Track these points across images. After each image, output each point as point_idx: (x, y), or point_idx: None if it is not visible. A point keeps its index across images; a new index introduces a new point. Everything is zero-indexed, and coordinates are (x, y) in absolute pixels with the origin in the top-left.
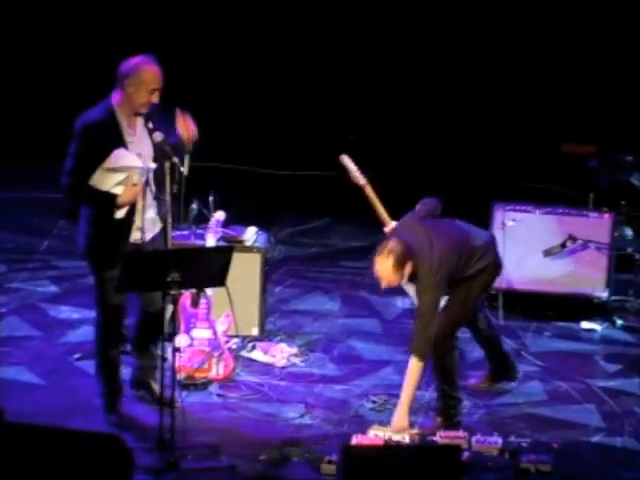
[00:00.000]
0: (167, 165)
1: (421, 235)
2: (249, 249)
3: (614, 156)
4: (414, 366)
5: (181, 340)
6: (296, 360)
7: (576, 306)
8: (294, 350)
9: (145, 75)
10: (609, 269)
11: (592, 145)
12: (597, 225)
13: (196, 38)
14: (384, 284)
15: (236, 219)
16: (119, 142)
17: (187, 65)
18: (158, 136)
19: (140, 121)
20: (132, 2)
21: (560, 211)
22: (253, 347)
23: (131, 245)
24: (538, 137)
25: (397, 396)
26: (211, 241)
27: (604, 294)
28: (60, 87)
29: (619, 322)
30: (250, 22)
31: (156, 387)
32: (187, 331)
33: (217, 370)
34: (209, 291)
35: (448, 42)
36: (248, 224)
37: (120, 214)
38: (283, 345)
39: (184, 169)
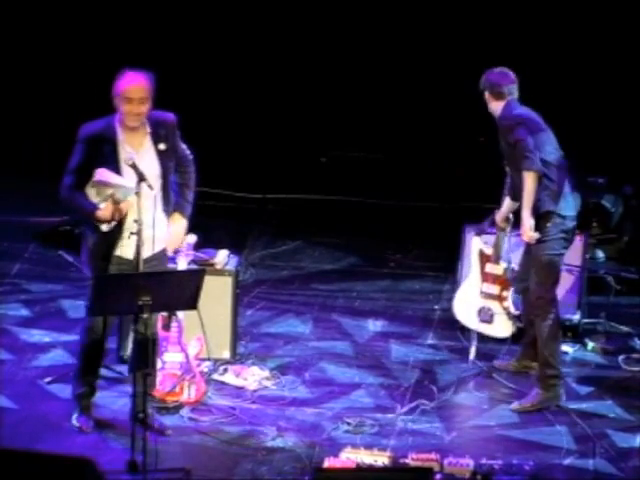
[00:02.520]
0: (141, 187)
1: None
2: (220, 272)
3: (585, 178)
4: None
5: None
6: (268, 383)
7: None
8: (266, 373)
9: (121, 86)
10: (581, 291)
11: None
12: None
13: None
14: None
15: (207, 242)
16: (113, 155)
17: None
18: (131, 158)
19: (147, 141)
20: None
21: None
22: (225, 370)
23: (125, 260)
24: None
25: (370, 419)
26: (182, 264)
27: (576, 316)
28: (33, 108)
29: (591, 344)
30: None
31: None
32: (159, 354)
33: (189, 393)
34: (180, 314)
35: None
36: (219, 247)
37: (105, 228)
38: (255, 368)
39: (155, 190)
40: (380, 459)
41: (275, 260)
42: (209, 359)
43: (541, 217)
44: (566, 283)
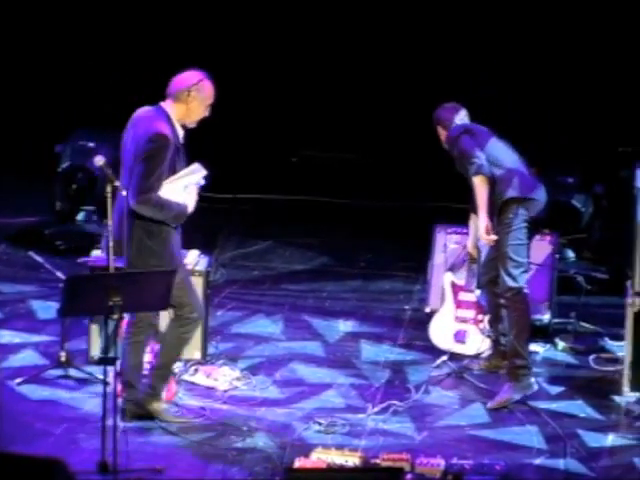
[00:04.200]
0: (109, 189)
1: None
2: (191, 273)
3: (555, 178)
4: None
5: None
6: (238, 383)
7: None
8: (236, 373)
9: (208, 91)
10: (551, 291)
11: (533, 168)
12: (539, 247)
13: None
14: None
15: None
16: (181, 154)
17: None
18: (100, 160)
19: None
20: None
21: None
22: (195, 371)
23: None
24: None
25: (341, 419)
26: None
27: (546, 316)
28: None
29: (561, 344)
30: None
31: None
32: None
33: None
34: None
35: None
36: (190, 248)
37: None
38: (225, 368)
39: (125, 192)
40: (351, 459)
41: (246, 260)
42: (180, 360)
43: (503, 207)
44: (536, 283)
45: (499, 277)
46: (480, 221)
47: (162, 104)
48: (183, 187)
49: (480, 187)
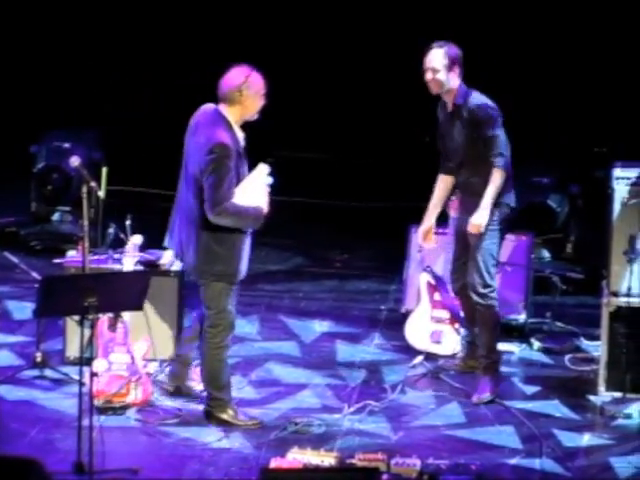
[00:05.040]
0: (84, 189)
1: None
2: (166, 273)
3: (531, 178)
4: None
5: (99, 365)
6: None
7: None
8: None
9: (257, 83)
10: (526, 291)
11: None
12: (514, 247)
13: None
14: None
15: (153, 243)
16: (243, 156)
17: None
18: (75, 160)
19: None
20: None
21: None
22: None
23: None
24: None
25: (317, 419)
26: (128, 265)
27: (522, 316)
28: None
29: (537, 344)
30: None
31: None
32: (105, 355)
33: (135, 394)
34: (126, 315)
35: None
36: (165, 248)
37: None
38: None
39: (101, 193)
40: (327, 459)
41: None
42: (155, 360)
43: (495, 208)
44: (512, 283)
45: (475, 275)
46: (485, 214)
47: (219, 107)
48: (253, 190)
49: (499, 181)
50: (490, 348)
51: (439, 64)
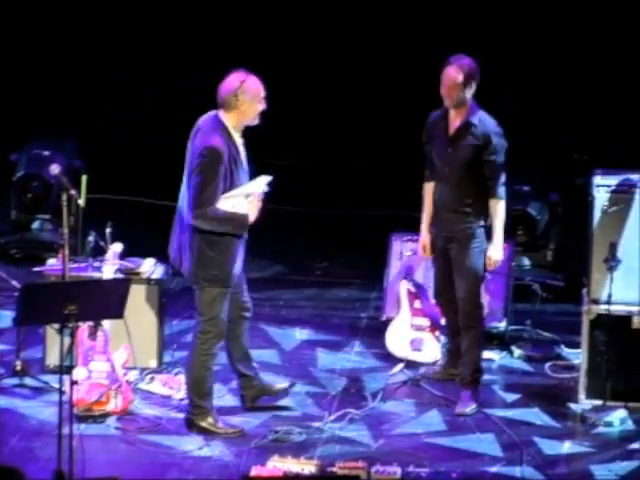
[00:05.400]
0: (64, 197)
1: None
2: (146, 281)
3: (511, 186)
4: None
5: (79, 373)
6: None
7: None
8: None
9: (254, 88)
10: (507, 299)
11: None
12: None
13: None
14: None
15: (133, 251)
16: (239, 162)
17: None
18: (55, 168)
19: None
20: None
21: None
22: (151, 379)
23: None
24: None
25: (299, 427)
26: (108, 273)
27: (502, 324)
28: None
29: (517, 352)
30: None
31: (265, 381)
32: (85, 364)
33: (115, 403)
34: (106, 323)
35: None
36: (145, 256)
37: (245, 232)
38: (182, 377)
39: (81, 201)
40: (307, 467)
41: None
42: (136, 368)
43: (482, 229)
44: (492, 290)
45: (466, 296)
46: (500, 249)
47: (219, 113)
48: (244, 197)
49: (504, 212)
50: (477, 366)
51: (458, 80)
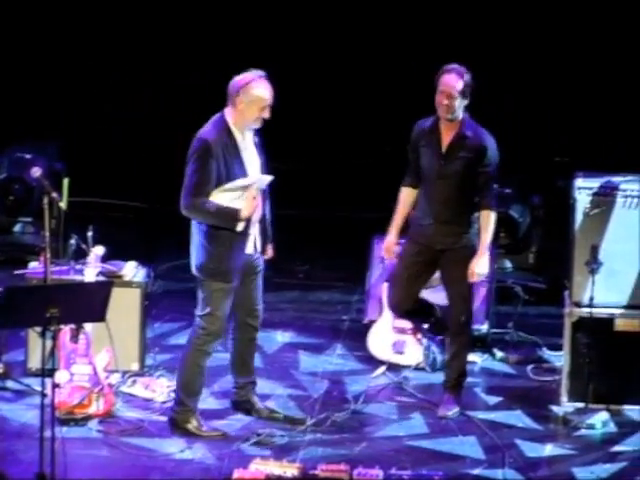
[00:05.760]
0: (46, 200)
1: None
2: (128, 284)
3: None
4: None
5: (61, 376)
6: None
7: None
8: (175, 385)
9: (256, 92)
10: (489, 301)
11: None
12: None
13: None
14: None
15: (115, 254)
16: (237, 158)
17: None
18: (37, 171)
19: (250, 135)
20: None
21: None
22: (133, 382)
23: (247, 256)
24: None
25: (279, 430)
26: (90, 276)
27: (484, 326)
28: None
29: (499, 354)
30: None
31: (258, 403)
32: (67, 367)
33: (97, 406)
34: (88, 326)
35: None
36: (127, 259)
37: (240, 227)
38: (164, 380)
39: (63, 204)
40: (289, 470)
41: (183, 272)
42: (117, 371)
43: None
44: (474, 293)
45: (462, 307)
46: (486, 261)
47: (226, 108)
48: (240, 191)
49: (494, 225)
50: (464, 370)
51: (456, 90)
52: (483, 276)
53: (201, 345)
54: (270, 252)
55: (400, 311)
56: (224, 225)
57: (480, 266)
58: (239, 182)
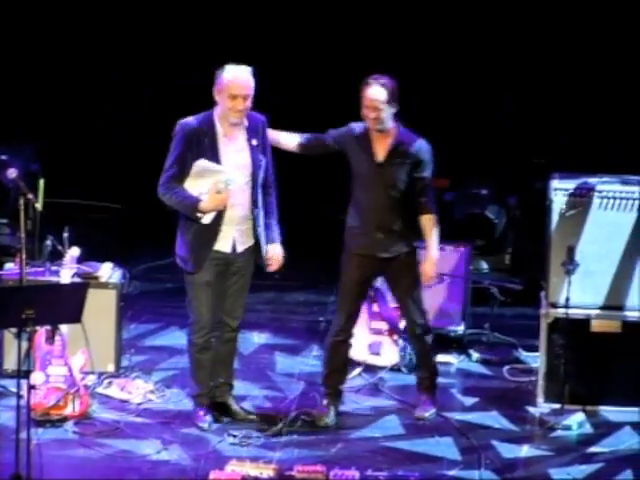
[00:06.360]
0: (21, 201)
1: None
2: (104, 285)
3: (469, 189)
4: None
5: (37, 377)
6: (152, 396)
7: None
8: (150, 386)
9: (225, 80)
10: (465, 302)
11: (445, 178)
12: (453, 258)
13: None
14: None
15: (91, 255)
16: (212, 148)
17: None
18: (12, 172)
19: (242, 135)
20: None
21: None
22: (109, 384)
23: (221, 254)
24: None
25: (255, 431)
26: (66, 277)
27: (460, 327)
28: None
29: (475, 355)
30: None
31: (234, 405)
32: (43, 368)
33: (73, 407)
34: (64, 328)
35: None
36: (103, 260)
37: (206, 220)
38: (139, 381)
39: (38, 205)
40: (266, 472)
41: (159, 273)
42: (93, 372)
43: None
44: (450, 294)
45: (419, 311)
46: (435, 265)
47: None
48: (211, 183)
49: (436, 227)
50: (434, 368)
51: (381, 102)
52: (435, 279)
53: (190, 334)
54: (274, 255)
55: (343, 337)
56: (187, 214)
57: (430, 268)
58: (206, 164)
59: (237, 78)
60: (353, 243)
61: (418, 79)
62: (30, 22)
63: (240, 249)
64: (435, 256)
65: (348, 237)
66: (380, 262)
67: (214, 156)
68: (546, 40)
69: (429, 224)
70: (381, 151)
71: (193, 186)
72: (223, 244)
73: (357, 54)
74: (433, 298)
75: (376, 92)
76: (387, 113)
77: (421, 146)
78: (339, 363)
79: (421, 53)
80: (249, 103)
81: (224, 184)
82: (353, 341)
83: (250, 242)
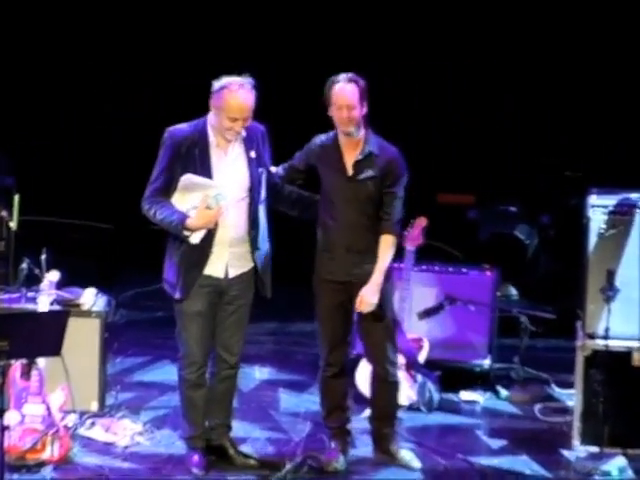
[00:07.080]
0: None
1: None
2: (87, 313)
3: (495, 207)
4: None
5: (11, 417)
6: (141, 439)
7: (455, 375)
8: (138, 427)
9: (225, 100)
10: (491, 333)
11: (470, 194)
12: (478, 284)
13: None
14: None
15: (72, 280)
16: (203, 160)
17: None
18: None
19: (239, 146)
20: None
21: (437, 269)
22: (92, 424)
23: (213, 280)
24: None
25: (256, 477)
26: (44, 305)
27: (486, 361)
28: None
29: (503, 392)
30: None
31: (231, 449)
32: (18, 407)
33: (52, 450)
34: (41, 361)
35: None
36: (86, 285)
37: (195, 239)
38: (126, 421)
39: (13, 224)
40: None
41: (149, 300)
42: (75, 412)
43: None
44: (475, 323)
45: (390, 346)
46: (378, 289)
47: None
48: (198, 199)
49: (392, 250)
50: (396, 417)
51: (355, 99)
52: (372, 306)
53: (180, 369)
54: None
55: (334, 370)
56: (174, 232)
57: (370, 295)
58: (193, 178)
59: (238, 100)
60: (322, 268)
61: (418, 79)
62: (30, 22)
63: (233, 274)
64: (377, 283)
65: (317, 261)
66: (346, 287)
67: (205, 169)
68: (546, 40)
69: (383, 245)
70: (350, 161)
71: (181, 202)
72: (215, 268)
73: (357, 54)
74: (456, 328)
75: (348, 90)
76: (359, 113)
77: (392, 156)
78: (336, 400)
79: (421, 53)
80: (249, 121)
81: (214, 199)
82: (363, 375)
83: (247, 267)
